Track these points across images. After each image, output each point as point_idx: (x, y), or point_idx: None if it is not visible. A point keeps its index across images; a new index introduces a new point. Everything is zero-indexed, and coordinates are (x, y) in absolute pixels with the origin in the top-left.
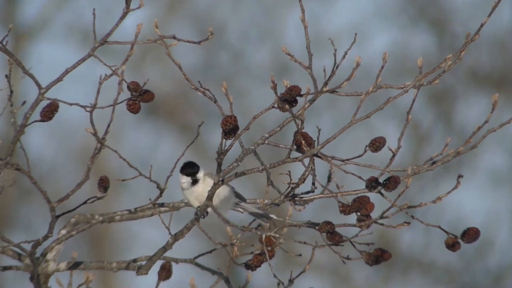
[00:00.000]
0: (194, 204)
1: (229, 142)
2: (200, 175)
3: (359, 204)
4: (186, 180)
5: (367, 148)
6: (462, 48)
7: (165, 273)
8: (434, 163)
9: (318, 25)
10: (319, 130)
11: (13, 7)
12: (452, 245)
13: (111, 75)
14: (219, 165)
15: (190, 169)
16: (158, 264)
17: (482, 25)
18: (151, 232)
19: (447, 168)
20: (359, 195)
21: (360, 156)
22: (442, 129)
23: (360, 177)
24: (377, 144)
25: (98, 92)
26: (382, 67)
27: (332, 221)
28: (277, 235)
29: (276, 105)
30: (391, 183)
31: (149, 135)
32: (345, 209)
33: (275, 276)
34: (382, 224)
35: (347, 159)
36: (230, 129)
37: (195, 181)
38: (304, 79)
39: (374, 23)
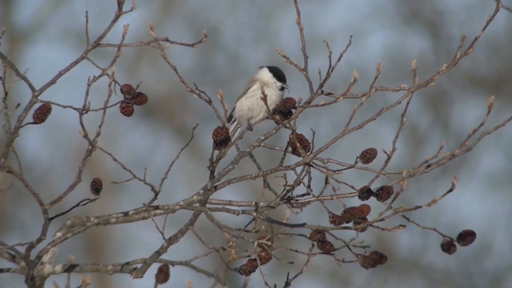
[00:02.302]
0: (256, 109)
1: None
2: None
3: (349, 215)
4: (276, 82)
5: (358, 159)
6: (456, 60)
7: (163, 275)
8: (429, 165)
9: (313, 26)
10: (314, 133)
11: (8, 10)
12: (448, 248)
13: (99, 76)
14: (212, 172)
15: (283, 74)
16: (154, 267)
17: (476, 39)
18: (148, 234)
19: (445, 171)
20: (351, 205)
21: (351, 167)
22: (439, 132)
23: (352, 187)
24: (368, 156)
25: (87, 93)
26: (376, 77)
27: (329, 224)
28: (269, 243)
29: (269, 117)
30: (384, 193)
31: (146, 137)
32: (335, 220)
33: (266, 284)
34: (378, 227)
35: (339, 170)
36: (221, 140)
37: (282, 88)
38: (300, 81)
39: (369, 24)
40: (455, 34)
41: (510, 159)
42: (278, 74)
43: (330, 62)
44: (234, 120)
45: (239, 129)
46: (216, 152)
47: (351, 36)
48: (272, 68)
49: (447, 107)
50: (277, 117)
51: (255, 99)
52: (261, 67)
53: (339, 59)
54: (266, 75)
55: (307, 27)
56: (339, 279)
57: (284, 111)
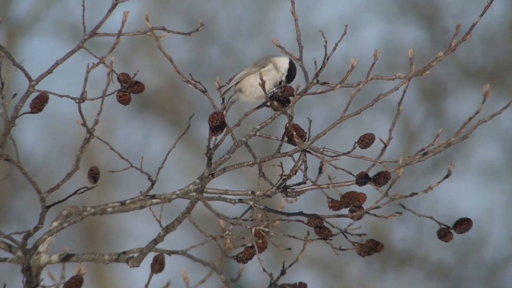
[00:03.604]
0: (254, 82)
1: (219, 136)
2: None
3: (348, 200)
4: (286, 69)
5: (356, 144)
6: (454, 46)
7: (158, 265)
8: (425, 154)
9: (308, 16)
10: (310, 121)
11: (5, 3)
12: (444, 236)
13: (98, 63)
14: (209, 159)
15: (294, 74)
16: (150, 257)
17: (474, 25)
18: (143, 224)
19: (438, 164)
20: (348, 191)
21: (349, 152)
22: (433, 124)
23: (350, 173)
24: (366, 141)
25: (85, 81)
26: (373, 64)
27: (324, 212)
28: (267, 229)
29: (267, 104)
30: (381, 178)
31: (140, 128)
32: (334, 205)
33: (264, 270)
34: (374, 215)
35: (337, 155)
36: (217, 125)
37: (288, 79)
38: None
39: (364, 14)
40: (450, 26)
41: (505, 150)
42: (291, 71)
43: (325, 51)
44: (231, 84)
45: (233, 103)
46: (214, 138)
47: (346, 26)
48: (292, 63)
49: (442, 99)
50: (275, 103)
51: (268, 79)
52: (285, 55)
53: (334, 49)
54: (283, 64)
55: (303, 18)
56: (334, 270)
57: (282, 99)
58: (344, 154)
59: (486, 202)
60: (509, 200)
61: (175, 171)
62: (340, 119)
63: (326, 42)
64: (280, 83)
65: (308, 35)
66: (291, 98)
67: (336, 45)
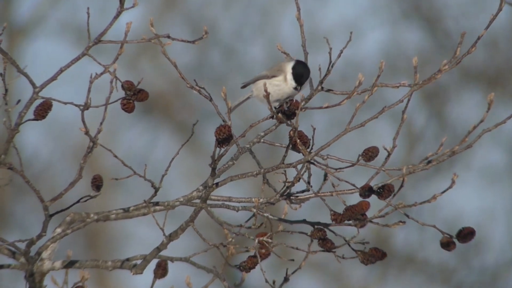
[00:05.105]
0: (274, 96)
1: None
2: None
3: (351, 213)
4: (294, 83)
5: (360, 157)
6: (458, 60)
7: (161, 271)
8: (429, 162)
9: (311, 21)
10: (314, 129)
11: (8, 4)
12: (447, 245)
13: (101, 73)
14: (213, 169)
15: (305, 76)
16: (153, 263)
17: (479, 38)
18: (146, 231)
19: (439, 166)
20: (352, 201)
21: (353, 165)
22: (434, 127)
23: (353, 185)
24: (370, 154)
25: (89, 91)
26: (378, 76)
27: (328, 220)
28: (270, 240)
29: (273, 117)
30: (385, 191)
31: (144, 134)
32: (337, 218)
33: (266, 281)
34: (377, 224)
35: (340, 168)
36: (224, 138)
37: (296, 89)
38: None
39: (367, 19)
40: (452, 28)
41: (508, 153)
42: (298, 76)
43: (330, 58)
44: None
45: (249, 99)
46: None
47: (351, 32)
48: (297, 67)
49: (443, 102)
50: (280, 115)
51: (277, 89)
52: (293, 59)
53: (339, 56)
54: (289, 70)
55: (306, 22)
56: (336, 275)
57: (288, 113)
58: (347, 166)
59: (488, 205)
60: None
61: (179, 175)
62: (344, 131)
63: (330, 49)
64: (296, 88)
65: (312, 39)
66: (296, 111)
67: (341, 51)
